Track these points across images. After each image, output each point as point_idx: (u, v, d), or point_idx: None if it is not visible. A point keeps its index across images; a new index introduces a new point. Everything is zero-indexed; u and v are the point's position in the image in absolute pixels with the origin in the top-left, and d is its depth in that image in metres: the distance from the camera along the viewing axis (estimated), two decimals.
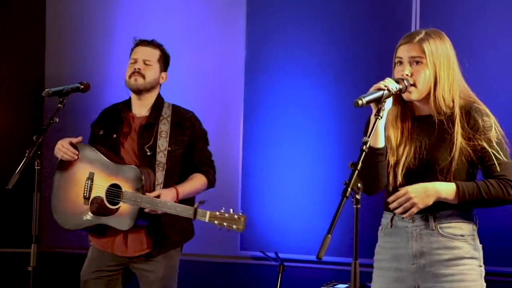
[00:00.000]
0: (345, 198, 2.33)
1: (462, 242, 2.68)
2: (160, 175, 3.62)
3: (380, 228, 2.85)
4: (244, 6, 4.91)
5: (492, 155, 2.64)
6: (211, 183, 3.81)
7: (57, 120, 3.52)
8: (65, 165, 3.72)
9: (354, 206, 2.37)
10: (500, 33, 4.21)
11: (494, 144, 2.65)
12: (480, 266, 2.72)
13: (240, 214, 3.46)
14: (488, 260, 2.78)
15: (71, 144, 3.67)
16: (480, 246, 2.74)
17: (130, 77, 3.74)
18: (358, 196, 2.36)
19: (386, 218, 2.82)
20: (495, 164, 2.64)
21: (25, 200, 4.12)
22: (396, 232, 2.76)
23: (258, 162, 4.81)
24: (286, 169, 4.71)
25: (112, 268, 3.69)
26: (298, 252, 4.58)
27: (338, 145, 4.55)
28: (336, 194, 2.40)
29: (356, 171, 2.37)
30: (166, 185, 3.63)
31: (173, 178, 3.67)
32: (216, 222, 3.45)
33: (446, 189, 2.63)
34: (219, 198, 4.87)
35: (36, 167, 3.47)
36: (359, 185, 2.36)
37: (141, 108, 3.77)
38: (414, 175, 2.69)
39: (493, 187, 2.63)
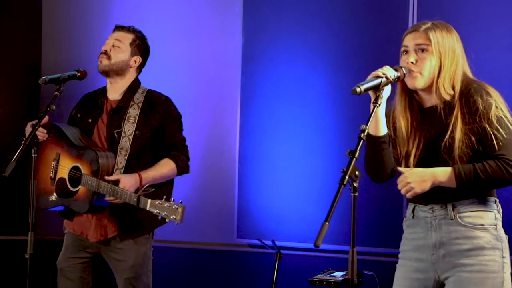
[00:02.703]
0: (342, 186, 2.33)
1: (483, 232, 2.65)
2: (121, 160, 3.60)
3: (404, 219, 2.84)
4: None
5: (492, 134, 2.60)
6: (180, 169, 3.72)
7: (54, 107, 3.51)
8: (42, 146, 3.74)
9: (352, 194, 2.37)
10: (497, 28, 4.20)
11: (494, 122, 2.61)
12: (503, 257, 2.67)
13: (179, 204, 3.38)
14: None
15: (38, 125, 3.59)
16: (504, 236, 2.70)
17: (98, 60, 3.75)
18: (355, 184, 2.36)
19: (409, 209, 2.82)
20: (494, 143, 2.60)
21: (22, 188, 4.11)
22: (417, 223, 2.76)
23: (254, 151, 4.81)
24: (283, 158, 4.71)
25: (86, 254, 3.69)
26: (295, 240, 4.58)
27: (335, 133, 4.55)
28: (334, 182, 2.40)
29: (354, 159, 2.36)
30: (130, 170, 3.59)
31: (142, 164, 3.64)
32: (155, 211, 3.40)
33: (442, 173, 2.63)
34: (215, 187, 4.90)
35: (32, 155, 3.46)
36: (356, 173, 2.36)
37: (114, 92, 3.77)
38: (425, 166, 2.68)
39: (491, 167, 2.59)
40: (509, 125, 2.63)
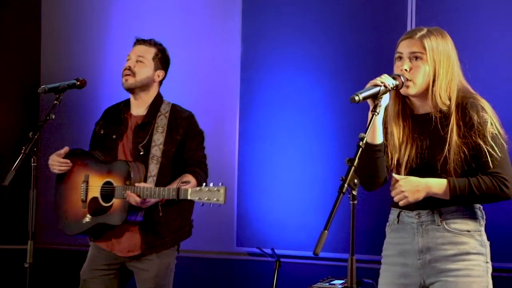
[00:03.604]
0: (341, 194, 2.33)
1: (468, 238, 2.68)
2: (153, 168, 3.60)
3: (387, 224, 2.85)
4: (239, 3, 4.91)
5: (486, 151, 2.62)
6: (200, 185, 3.69)
7: (53, 116, 3.52)
8: (63, 176, 3.76)
9: (351, 202, 2.37)
10: (496, 31, 4.22)
11: (489, 139, 2.63)
12: (487, 262, 2.70)
13: (220, 186, 3.39)
14: (495, 256, 2.76)
15: (60, 155, 3.69)
16: (487, 242, 2.72)
17: (123, 77, 3.74)
18: (354, 192, 2.36)
19: (393, 214, 2.82)
20: (488, 161, 2.62)
21: (22, 197, 4.11)
22: (403, 228, 2.77)
23: (254, 159, 4.81)
24: (282, 166, 4.72)
25: (111, 266, 3.69)
26: (294, 248, 4.58)
27: (335, 141, 4.55)
28: (333, 190, 2.40)
29: (353, 167, 2.37)
30: (159, 182, 3.60)
31: (165, 177, 3.65)
32: (197, 198, 3.40)
33: (437, 184, 2.64)
34: None
35: (32, 164, 3.46)
36: (355, 181, 2.36)
37: (138, 107, 3.76)
38: (416, 175, 2.69)
39: (485, 183, 2.62)
40: (503, 143, 2.66)
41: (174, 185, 3.52)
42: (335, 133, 4.55)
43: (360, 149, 2.42)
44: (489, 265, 2.71)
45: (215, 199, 3.37)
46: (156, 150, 3.63)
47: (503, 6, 4.22)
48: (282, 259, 4.33)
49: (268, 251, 4.35)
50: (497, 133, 2.65)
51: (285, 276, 4.44)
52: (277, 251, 4.34)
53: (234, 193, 4.83)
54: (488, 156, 2.62)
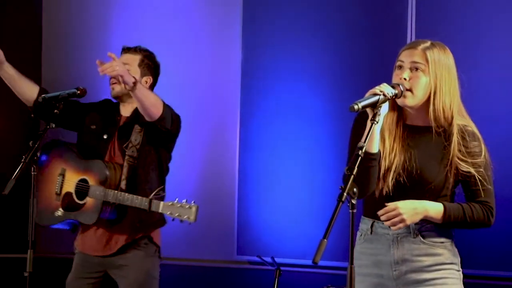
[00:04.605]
0: (340, 203, 2.34)
1: (442, 249, 2.73)
2: (126, 170, 3.61)
3: (359, 233, 2.84)
4: (240, 12, 4.92)
5: (479, 181, 2.68)
6: (165, 108, 3.59)
7: (54, 125, 3.52)
8: (43, 165, 3.77)
9: (350, 211, 2.38)
10: (495, 35, 4.22)
11: (482, 169, 2.69)
12: (459, 270, 2.77)
13: (192, 204, 3.41)
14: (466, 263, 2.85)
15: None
16: (457, 251, 2.78)
17: (110, 85, 3.77)
18: (353, 201, 2.37)
19: (366, 224, 2.82)
20: (480, 190, 2.69)
21: (22, 206, 4.11)
22: (377, 239, 2.77)
23: (254, 167, 4.81)
24: (283, 174, 4.71)
25: (94, 275, 3.71)
26: (294, 256, 4.58)
27: (334, 149, 4.55)
28: (332, 198, 2.40)
29: (352, 176, 2.37)
30: (132, 184, 3.59)
31: (144, 180, 3.62)
32: (168, 212, 3.42)
33: (434, 209, 2.68)
34: (215, 203, 4.89)
35: (32, 173, 3.46)
36: (354, 190, 2.36)
37: (126, 110, 3.79)
38: (402, 186, 2.70)
39: (477, 212, 2.69)
40: (492, 174, 2.73)
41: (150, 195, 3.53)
42: (335, 142, 4.55)
43: (359, 158, 2.42)
44: (461, 272, 2.78)
45: (185, 217, 3.39)
46: (133, 151, 3.64)
47: (504, 14, 4.22)
48: (282, 268, 4.33)
49: (268, 259, 4.35)
50: (488, 164, 2.72)
51: (285, 284, 4.43)
52: (277, 260, 4.34)
53: (234, 201, 4.83)
54: (480, 185, 2.69)
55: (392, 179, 2.71)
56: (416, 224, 2.70)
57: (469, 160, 2.68)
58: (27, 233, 3.44)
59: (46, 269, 5.10)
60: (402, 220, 2.64)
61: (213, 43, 5.03)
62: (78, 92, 3.68)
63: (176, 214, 3.40)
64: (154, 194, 3.49)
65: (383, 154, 2.73)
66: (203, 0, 5.11)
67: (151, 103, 3.54)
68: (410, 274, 2.71)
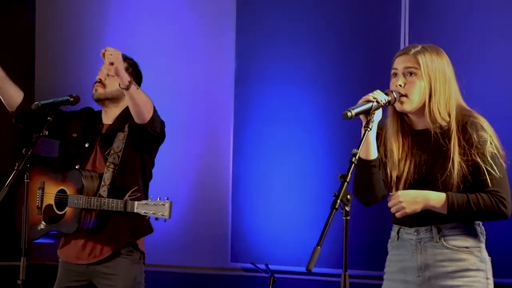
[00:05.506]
0: (334, 210, 2.34)
1: (467, 254, 2.69)
2: (108, 176, 3.60)
3: (389, 240, 2.86)
4: (233, 19, 4.92)
5: (485, 170, 2.64)
6: (155, 112, 3.57)
7: (47, 133, 3.51)
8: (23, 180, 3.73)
9: (344, 218, 2.38)
10: (490, 47, 4.23)
11: (488, 158, 2.64)
12: (487, 278, 2.71)
13: (166, 200, 3.43)
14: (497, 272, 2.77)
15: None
16: (488, 258, 2.73)
17: (93, 88, 3.75)
18: (347, 208, 2.37)
19: (394, 230, 2.84)
20: (487, 179, 2.64)
21: (14, 213, 4.10)
22: (402, 245, 2.78)
23: (248, 174, 4.81)
24: (277, 181, 4.71)
25: (78, 283, 3.69)
26: (288, 263, 4.57)
27: (328, 156, 4.56)
28: (326, 205, 2.40)
29: (346, 183, 2.37)
30: (114, 191, 3.57)
31: (126, 187, 3.59)
32: (143, 211, 3.44)
33: (435, 198, 2.65)
34: (209, 210, 4.89)
35: (25, 180, 3.45)
36: (348, 197, 2.37)
37: (108, 118, 3.77)
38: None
39: (484, 200, 2.63)
40: (502, 162, 2.68)
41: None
42: (329, 149, 4.56)
43: (353, 164, 2.43)
44: (490, 281, 2.72)
45: (160, 213, 3.42)
46: (114, 158, 3.63)
47: (497, 21, 4.24)
48: (276, 275, 4.32)
49: (262, 266, 4.35)
50: (496, 152, 2.67)
51: None
52: (271, 267, 4.34)
53: (228, 208, 4.83)
54: (487, 175, 2.64)
55: (404, 186, 2.72)
56: (438, 227, 2.68)
57: (474, 151, 2.65)
58: (20, 241, 3.43)
59: (40, 276, 5.07)
60: (402, 208, 2.65)
61: (207, 51, 5.03)
62: (72, 99, 3.68)
63: (151, 212, 3.43)
64: (129, 195, 3.50)
65: (392, 163, 2.74)
66: (197, 8, 5.11)
67: (144, 104, 3.52)
68: (434, 280, 2.70)
